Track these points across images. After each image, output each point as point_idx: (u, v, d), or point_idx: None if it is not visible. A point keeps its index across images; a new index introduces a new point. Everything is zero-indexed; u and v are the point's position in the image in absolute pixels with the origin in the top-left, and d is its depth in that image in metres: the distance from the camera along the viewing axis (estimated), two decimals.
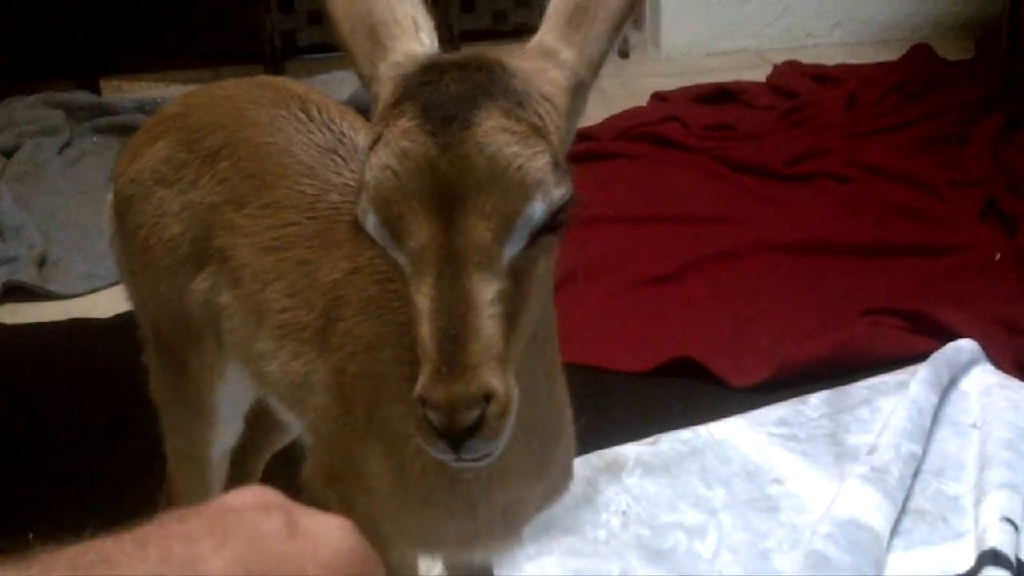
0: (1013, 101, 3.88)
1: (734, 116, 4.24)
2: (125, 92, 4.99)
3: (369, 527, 1.34)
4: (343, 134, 1.50)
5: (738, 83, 4.54)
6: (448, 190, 0.91)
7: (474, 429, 0.91)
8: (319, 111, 1.53)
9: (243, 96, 1.59)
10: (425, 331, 0.92)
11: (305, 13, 5.08)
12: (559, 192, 0.94)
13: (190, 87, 5.03)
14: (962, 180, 3.50)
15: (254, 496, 0.70)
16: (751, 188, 3.62)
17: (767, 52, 5.08)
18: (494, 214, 0.92)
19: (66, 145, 4.31)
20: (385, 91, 1.01)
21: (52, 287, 3.22)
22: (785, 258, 3.14)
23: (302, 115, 1.53)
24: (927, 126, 3.92)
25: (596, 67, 1.05)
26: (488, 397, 0.90)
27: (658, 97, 4.39)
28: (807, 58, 4.83)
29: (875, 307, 2.79)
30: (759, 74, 4.70)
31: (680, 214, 3.44)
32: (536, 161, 0.92)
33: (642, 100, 4.37)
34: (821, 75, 4.60)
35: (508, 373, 0.93)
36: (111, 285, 3.22)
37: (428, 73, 0.97)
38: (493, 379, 0.91)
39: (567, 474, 1.36)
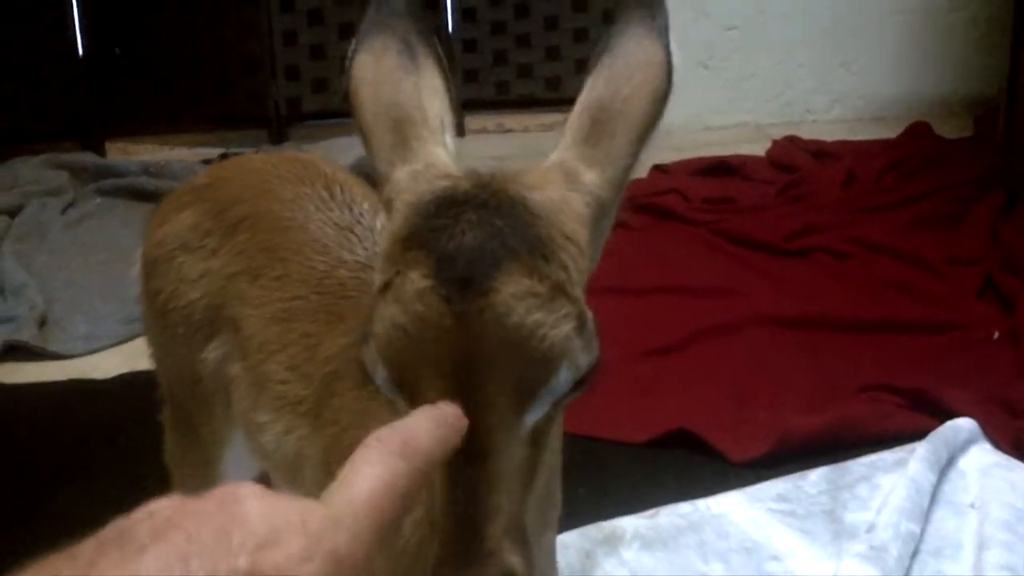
0: (1011, 180, 3.91)
1: (733, 189, 4.28)
2: (130, 154, 5.04)
3: None
4: (361, 215, 1.52)
5: (737, 157, 4.58)
6: (465, 358, 0.82)
7: None
8: (341, 190, 1.56)
9: (270, 170, 1.63)
10: (438, 502, 0.84)
11: (310, 80, 5.15)
12: (586, 359, 0.86)
13: (195, 150, 5.12)
14: (960, 258, 3.52)
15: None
16: (750, 261, 3.64)
17: (766, 127, 5.14)
18: (516, 386, 0.83)
19: (70, 206, 4.35)
20: (397, 212, 0.93)
21: (52, 347, 3.22)
22: (784, 332, 3.14)
23: (324, 193, 1.55)
24: (925, 204, 3.95)
25: (620, 186, 0.97)
26: None
27: (658, 169, 4.44)
28: (806, 134, 4.88)
29: (873, 383, 2.79)
30: (758, 148, 4.75)
31: (679, 286, 3.46)
32: (561, 328, 0.84)
33: (642, 172, 4.39)
34: (820, 151, 4.65)
35: (527, 542, 0.86)
36: (111, 346, 3.24)
37: (442, 213, 0.87)
38: (513, 558, 0.83)
39: (553, 563, 1.35)
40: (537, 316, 0.83)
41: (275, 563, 0.58)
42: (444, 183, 0.92)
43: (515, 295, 0.82)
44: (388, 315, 0.85)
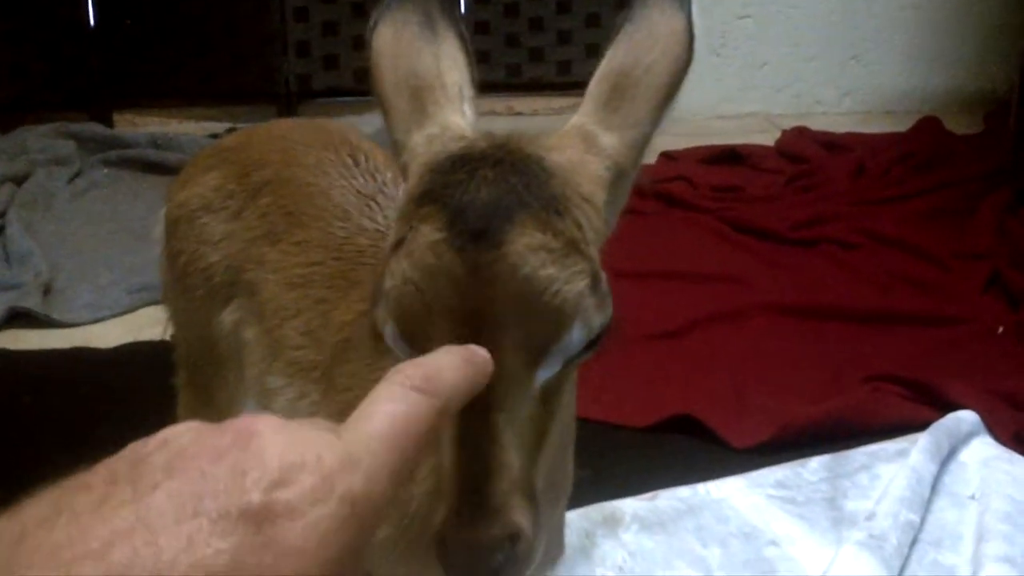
0: (1020, 176, 3.90)
1: (742, 178, 4.27)
2: (138, 126, 5.04)
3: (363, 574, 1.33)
4: (384, 184, 1.53)
5: (747, 146, 4.57)
6: (477, 312, 0.82)
7: (500, 569, 0.82)
8: (366, 158, 1.56)
9: (296, 136, 1.63)
10: (446, 461, 0.83)
11: (320, 58, 5.13)
12: (599, 319, 0.85)
13: (203, 124, 5.11)
14: (967, 253, 3.51)
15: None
16: (757, 250, 3.64)
17: (776, 117, 5.13)
18: (527, 342, 0.82)
19: (76, 176, 4.34)
20: (412, 175, 0.93)
21: (56, 315, 3.22)
22: (789, 321, 3.14)
23: (349, 160, 1.55)
24: (934, 198, 3.95)
25: (639, 153, 0.97)
26: (514, 537, 0.82)
27: (667, 156, 4.43)
28: (816, 125, 4.87)
29: (877, 374, 2.79)
30: (767, 138, 4.74)
31: (686, 272, 3.45)
32: (575, 284, 0.83)
33: (651, 158, 4.36)
34: (829, 142, 4.64)
35: (534, 503, 0.85)
36: (115, 315, 3.24)
37: (458, 170, 0.87)
38: (520, 518, 0.82)
39: (559, 541, 1.35)
40: (550, 270, 0.82)
41: (287, 502, 0.58)
42: (460, 144, 0.92)
43: (529, 247, 0.82)
44: (399, 270, 0.85)
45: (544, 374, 0.85)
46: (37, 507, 0.58)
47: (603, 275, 0.87)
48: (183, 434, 0.62)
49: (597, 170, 0.92)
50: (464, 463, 0.81)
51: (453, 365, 0.72)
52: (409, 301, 0.84)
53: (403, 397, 0.67)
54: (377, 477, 0.62)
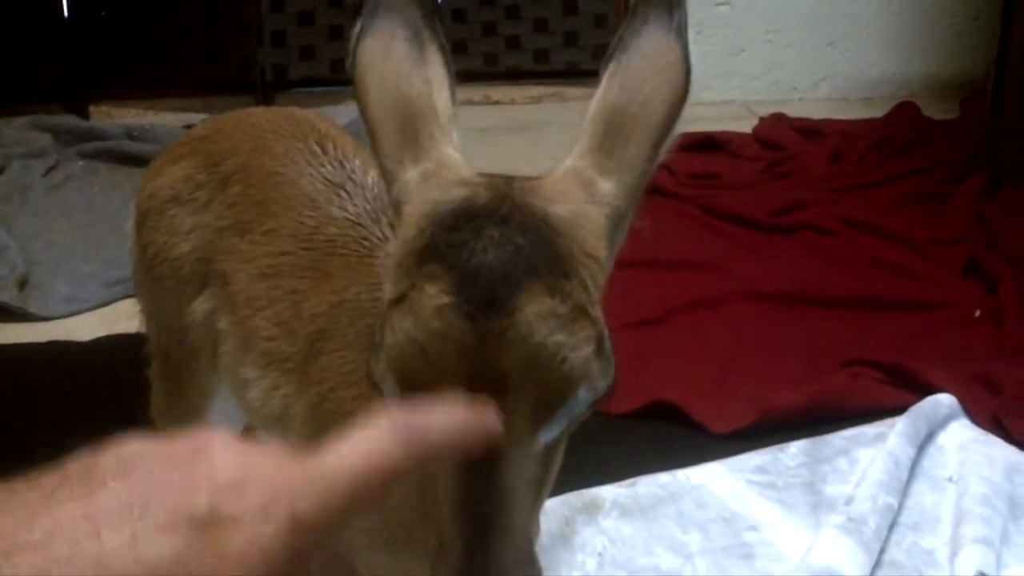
0: (996, 161, 3.92)
1: (720, 165, 4.27)
2: (114, 118, 5.01)
3: (341, 563, 1.33)
4: (353, 171, 1.51)
5: (724, 133, 4.57)
6: (482, 375, 0.80)
7: None
8: (334, 146, 1.54)
9: (265, 125, 1.62)
10: (446, 518, 0.82)
11: (297, 48, 5.11)
12: (603, 381, 0.85)
13: (180, 115, 5.10)
14: (944, 237, 3.53)
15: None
16: (735, 237, 3.64)
17: (753, 104, 5.13)
18: (532, 405, 0.82)
19: (52, 168, 4.30)
20: (409, 221, 0.89)
21: (33, 309, 3.20)
22: (767, 307, 3.15)
23: (317, 148, 1.54)
24: (911, 183, 3.96)
25: (636, 194, 0.95)
26: None
27: None
28: (793, 111, 4.87)
29: (855, 359, 2.80)
30: (745, 125, 4.74)
31: (664, 260, 3.45)
32: (582, 350, 0.83)
33: None
34: (807, 129, 4.64)
35: (535, 560, 0.84)
36: (92, 308, 3.23)
37: (462, 227, 0.84)
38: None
39: (535, 522, 1.34)
40: (559, 337, 0.81)
41: (233, 513, 0.58)
42: (460, 191, 0.89)
43: (538, 314, 0.81)
44: (403, 328, 0.83)
45: (548, 435, 0.84)
46: None
47: (607, 335, 0.87)
48: (136, 444, 0.62)
49: (599, 221, 0.90)
50: (468, 524, 0.80)
51: (446, 420, 0.70)
52: (412, 360, 0.82)
53: (383, 439, 0.66)
54: (330, 506, 0.62)
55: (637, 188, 0.95)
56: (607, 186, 0.92)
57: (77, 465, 0.61)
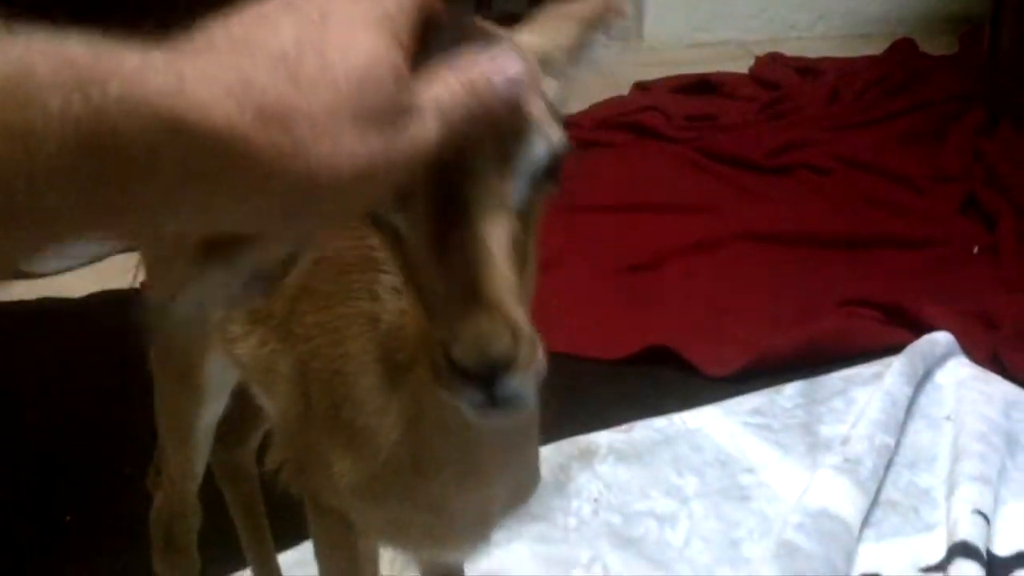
0: (994, 97, 3.88)
1: (716, 107, 4.23)
2: None
3: (335, 519, 1.32)
4: None
5: (720, 74, 4.53)
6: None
7: (507, 363, 0.79)
8: None
9: None
10: (438, 279, 0.81)
11: None
12: (556, 135, 0.86)
13: None
14: (942, 175, 3.50)
15: None
16: (731, 179, 3.61)
17: (750, 44, 5.07)
18: (494, 159, 0.82)
19: None
20: None
21: (21, 265, 3.16)
22: (763, 249, 3.13)
23: None
24: (908, 120, 3.92)
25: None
26: (517, 333, 0.79)
27: (640, 87, 4.38)
28: (790, 50, 4.82)
29: (852, 299, 2.78)
30: (741, 66, 4.69)
31: (659, 203, 3.43)
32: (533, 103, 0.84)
33: (623, 89, 4.34)
34: (803, 68, 4.61)
35: (527, 316, 0.83)
36: (82, 265, 3.19)
37: None
38: (517, 315, 0.80)
39: (534, 474, 1.32)
40: None
41: None
42: None
43: None
44: None
45: (517, 190, 0.84)
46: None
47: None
48: None
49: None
50: (455, 271, 0.80)
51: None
52: None
53: None
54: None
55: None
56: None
57: None
